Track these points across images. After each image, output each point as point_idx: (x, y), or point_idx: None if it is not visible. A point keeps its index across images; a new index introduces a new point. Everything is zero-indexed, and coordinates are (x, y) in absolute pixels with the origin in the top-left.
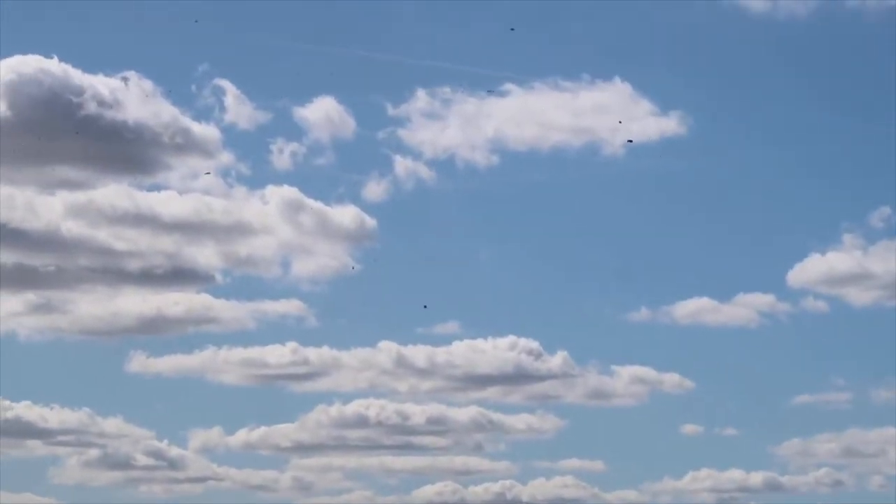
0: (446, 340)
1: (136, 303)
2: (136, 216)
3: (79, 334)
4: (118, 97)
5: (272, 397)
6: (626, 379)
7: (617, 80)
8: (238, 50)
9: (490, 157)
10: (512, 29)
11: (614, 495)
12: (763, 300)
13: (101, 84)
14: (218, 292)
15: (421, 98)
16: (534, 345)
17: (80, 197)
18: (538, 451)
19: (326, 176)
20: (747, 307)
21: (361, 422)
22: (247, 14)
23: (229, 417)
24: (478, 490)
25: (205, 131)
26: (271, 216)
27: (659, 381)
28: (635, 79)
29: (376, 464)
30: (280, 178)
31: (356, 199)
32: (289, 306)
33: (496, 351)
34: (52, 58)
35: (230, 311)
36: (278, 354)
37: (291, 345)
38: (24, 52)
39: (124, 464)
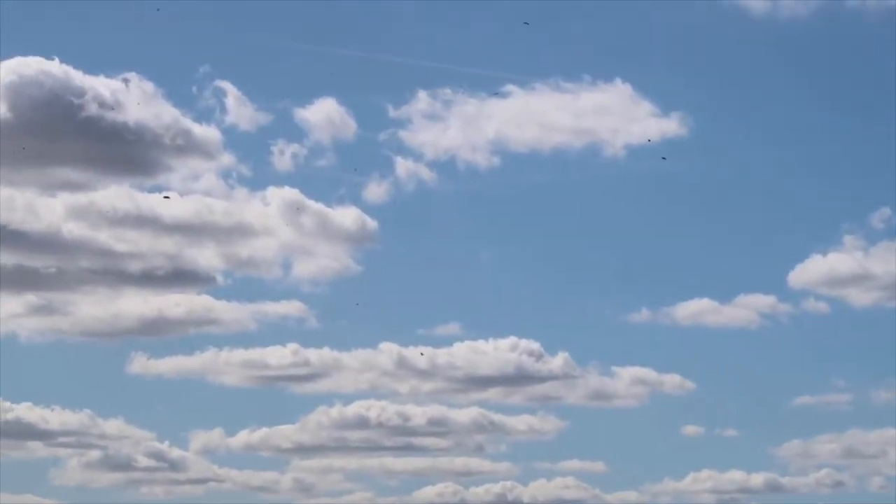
0: (447, 342)
1: (136, 304)
2: (136, 217)
3: (80, 336)
4: (119, 98)
5: (273, 398)
6: (627, 380)
7: (618, 81)
8: (239, 51)
9: (491, 158)
10: (526, 23)
11: (615, 496)
12: (764, 301)
13: (102, 85)
14: (219, 293)
15: (422, 99)
16: (535, 346)
17: (80, 198)
18: (539, 452)
19: (327, 177)
20: (748, 308)
21: (362, 423)
22: (247, 15)
23: (230, 419)
24: (479, 491)
25: (206, 133)
26: (272, 217)
27: (660, 382)
28: (636, 80)
29: (377, 465)
30: (281, 180)
31: (357, 201)
32: (290, 307)
33: (497, 352)
34: (53, 59)
35: (231, 312)
36: (279, 356)
37: (292, 346)
38: (25, 53)
39: (125, 465)
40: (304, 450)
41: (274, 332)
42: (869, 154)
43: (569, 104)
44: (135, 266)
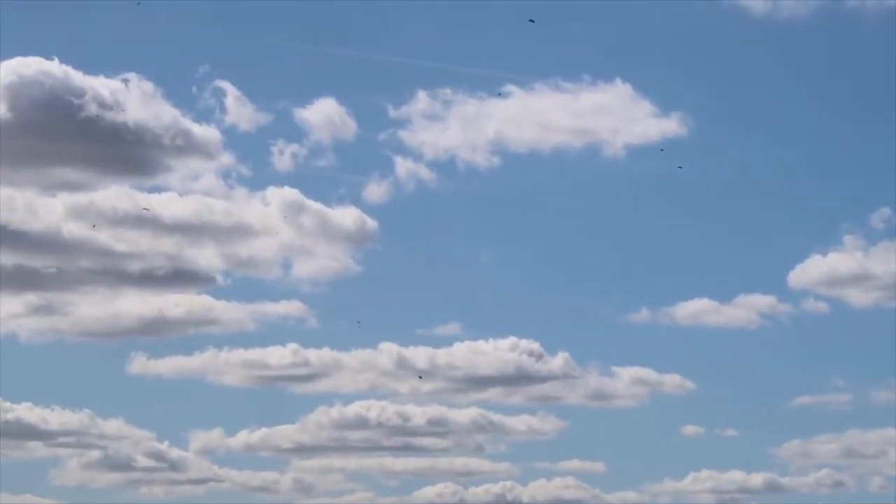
0: (447, 342)
1: (136, 304)
2: (136, 218)
3: (79, 336)
4: (119, 99)
5: (273, 399)
6: (627, 380)
7: (618, 81)
8: (239, 51)
9: (491, 158)
10: (531, 20)
11: (615, 496)
12: (764, 301)
13: (101, 86)
14: (219, 294)
15: (422, 99)
16: (534, 346)
17: (80, 198)
18: (539, 453)
19: (327, 177)
20: (748, 308)
21: (362, 423)
22: (247, 15)
23: (230, 419)
24: (478, 491)
25: (205, 133)
26: (272, 217)
27: (659, 383)
28: (636, 80)
29: (377, 465)
30: (281, 180)
31: (357, 201)
32: (289, 307)
33: (497, 352)
34: (52, 59)
35: (231, 312)
36: (279, 356)
37: (292, 346)
38: (25, 53)
39: (125, 465)
40: (303, 450)
41: (274, 333)
42: (869, 154)
43: (569, 104)
44: (135, 266)
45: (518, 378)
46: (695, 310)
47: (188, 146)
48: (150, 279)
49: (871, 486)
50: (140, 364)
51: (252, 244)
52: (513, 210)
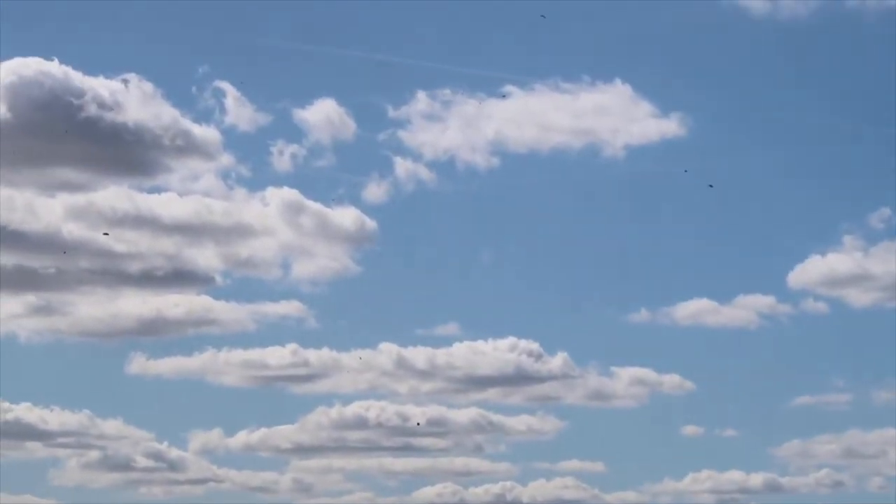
0: (446, 342)
1: (136, 304)
2: (136, 218)
3: (79, 336)
4: (118, 99)
5: (272, 399)
6: (627, 380)
7: (617, 81)
8: (238, 52)
9: (490, 158)
10: (543, 16)
11: (614, 496)
12: (763, 301)
13: (101, 86)
14: (218, 294)
15: (421, 100)
16: (534, 346)
17: (80, 199)
18: (538, 453)
19: (326, 178)
20: (747, 308)
21: (361, 423)
22: (247, 15)
23: (229, 419)
24: (478, 491)
25: (205, 133)
26: (271, 218)
27: (659, 383)
28: (635, 80)
29: (376, 465)
30: (280, 180)
31: (356, 201)
32: (289, 308)
33: (496, 352)
34: (52, 60)
35: (230, 312)
36: (278, 356)
37: (291, 346)
38: (25, 54)
39: (124, 465)
40: (303, 450)
41: (273, 333)
42: (868, 154)
43: (568, 105)
44: (134, 266)
45: (517, 378)
46: (694, 310)
47: (188, 147)
48: (149, 279)
49: (870, 486)
50: (139, 364)
51: (251, 244)
52: (512, 210)
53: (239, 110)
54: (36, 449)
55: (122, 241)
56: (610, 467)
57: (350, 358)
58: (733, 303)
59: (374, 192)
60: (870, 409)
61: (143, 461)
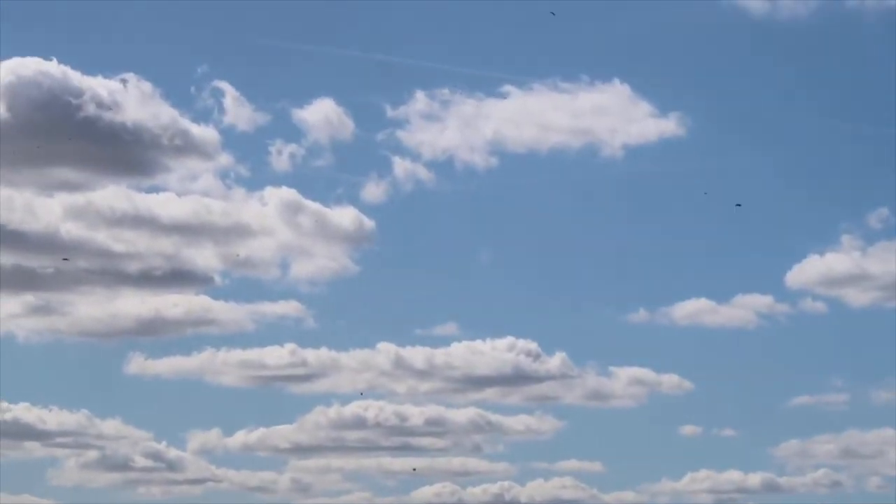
0: (445, 342)
1: (134, 304)
2: (134, 218)
3: (77, 336)
4: (117, 99)
5: (271, 399)
6: (625, 380)
7: (616, 81)
8: (237, 52)
9: (489, 158)
10: (552, 13)
11: (613, 496)
12: (761, 301)
13: (100, 86)
14: (217, 294)
15: (420, 99)
16: (532, 346)
17: (78, 199)
18: (536, 452)
19: (325, 177)
20: (746, 308)
21: (360, 423)
22: (245, 15)
23: (228, 419)
24: (476, 491)
25: (204, 133)
26: (270, 218)
27: (657, 383)
28: (634, 80)
29: (375, 465)
30: (279, 180)
31: (355, 201)
32: (287, 308)
33: (494, 352)
34: (51, 60)
35: (229, 312)
36: (277, 356)
37: (290, 346)
38: (24, 54)
39: (123, 465)
40: (301, 450)
41: (271, 333)
42: (867, 154)
43: (567, 104)
44: (133, 266)
45: (516, 378)
46: (693, 310)
47: (186, 146)
48: (148, 279)
49: (868, 485)
50: (138, 364)
51: (250, 244)
52: (511, 210)
53: (237, 110)
54: (34, 449)
55: (120, 241)
56: (608, 467)
57: (348, 358)
58: (732, 303)
59: (373, 191)
60: (868, 409)
61: (141, 461)
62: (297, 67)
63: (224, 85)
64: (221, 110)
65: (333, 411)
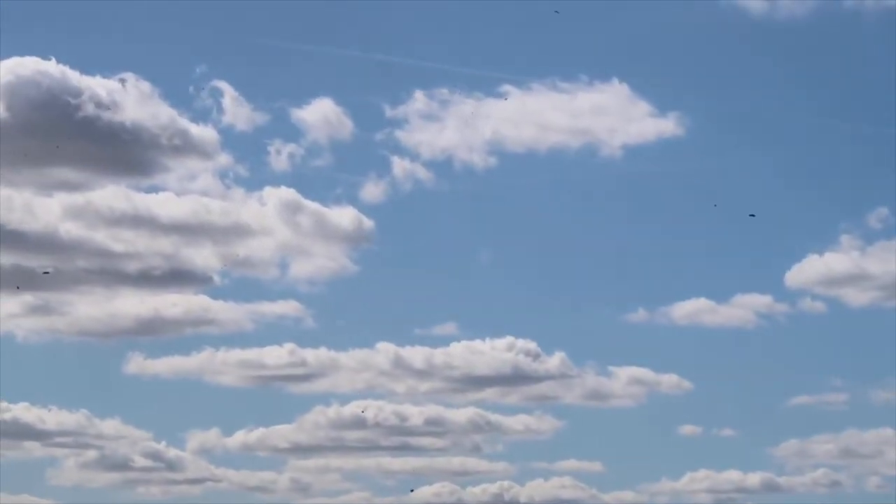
0: (444, 341)
1: (133, 304)
2: (133, 218)
3: (77, 336)
4: (116, 99)
5: (270, 398)
6: (624, 380)
7: (615, 81)
8: (236, 51)
9: (488, 158)
10: (556, 11)
11: (612, 496)
12: (761, 301)
13: (98, 86)
14: (216, 294)
15: (419, 99)
16: (531, 346)
17: (77, 198)
18: (536, 452)
19: (324, 177)
20: (745, 308)
21: (359, 423)
22: (244, 15)
23: (227, 419)
24: (475, 491)
25: (203, 133)
26: (269, 217)
27: (657, 382)
28: (633, 80)
29: (374, 465)
30: (278, 180)
31: (354, 201)
32: (286, 307)
33: (494, 352)
34: (49, 59)
35: (228, 312)
36: (276, 356)
37: (289, 346)
38: (22, 53)
39: (122, 465)
40: (301, 450)
41: (271, 332)
42: (866, 154)
43: (566, 104)
44: (132, 266)
45: (515, 378)
46: (692, 309)
47: (185, 146)
48: (147, 279)
49: (868, 485)
50: (137, 364)
51: (249, 244)
52: (510, 210)
53: (236, 110)
54: (34, 448)
55: (119, 241)
56: (608, 467)
57: (348, 357)
58: (731, 302)
59: (372, 191)
60: (867, 409)
61: (140, 461)
62: (296, 67)
63: (223, 85)
64: (220, 110)
65: (332, 411)
